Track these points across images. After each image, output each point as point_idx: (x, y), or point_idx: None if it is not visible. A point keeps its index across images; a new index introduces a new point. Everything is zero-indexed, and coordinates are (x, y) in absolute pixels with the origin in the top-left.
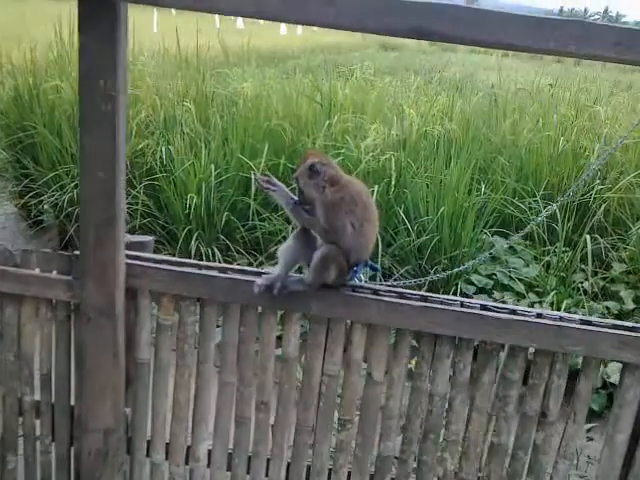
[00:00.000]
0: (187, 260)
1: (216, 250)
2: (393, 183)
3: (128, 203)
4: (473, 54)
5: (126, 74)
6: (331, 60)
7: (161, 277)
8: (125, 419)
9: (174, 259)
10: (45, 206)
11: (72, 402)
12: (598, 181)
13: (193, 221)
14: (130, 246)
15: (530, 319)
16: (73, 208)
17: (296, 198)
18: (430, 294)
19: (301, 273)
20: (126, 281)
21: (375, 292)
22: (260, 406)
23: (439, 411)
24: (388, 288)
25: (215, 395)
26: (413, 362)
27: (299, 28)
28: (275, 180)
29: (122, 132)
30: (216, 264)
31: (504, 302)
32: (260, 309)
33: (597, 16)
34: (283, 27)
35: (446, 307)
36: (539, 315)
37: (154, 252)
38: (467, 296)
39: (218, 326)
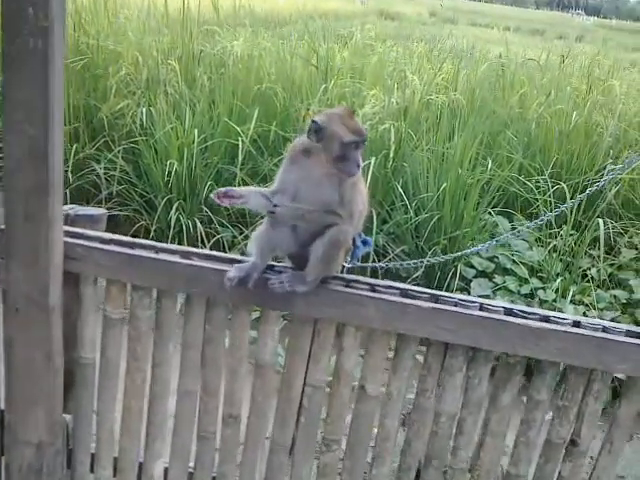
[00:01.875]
0: (142, 241)
1: (198, 222)
2: (392, 155)
3: (105, 168)
4: (474, 27)
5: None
6: (330, 26)
7: (108, 261)
8: (65, 428)
9: (126, 239)
10: None
11: (2, 406)
12: (610, 161)
13: (174, 189)
14: (75, 221)
15: (565, 328)
16: None
17: (270, 197)
18: (442, 293)
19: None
20: (65, 264)
21: (373, 288)
22: (228, 419)
23: (446, 434)
24: (389, 284)
25: (174, 405)
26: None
27: None
28: (236, 189)
29: (58, 76)
30: (177, 247)
31: (523, 295)
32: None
33: None
34: None
35: (461, 310)
36: (577, 324)
37: (130, 224)
38: (466, 280)
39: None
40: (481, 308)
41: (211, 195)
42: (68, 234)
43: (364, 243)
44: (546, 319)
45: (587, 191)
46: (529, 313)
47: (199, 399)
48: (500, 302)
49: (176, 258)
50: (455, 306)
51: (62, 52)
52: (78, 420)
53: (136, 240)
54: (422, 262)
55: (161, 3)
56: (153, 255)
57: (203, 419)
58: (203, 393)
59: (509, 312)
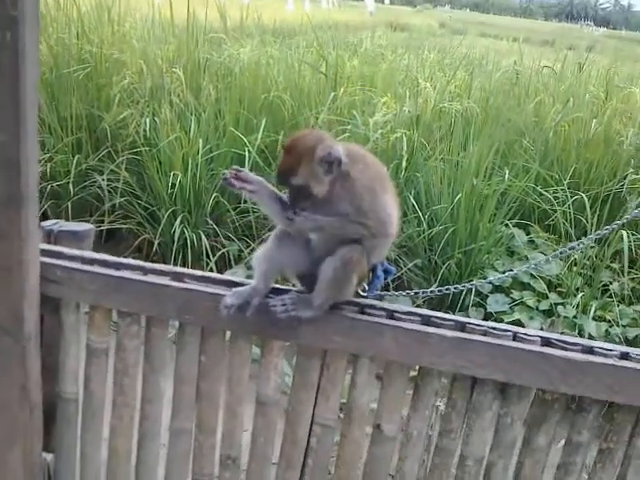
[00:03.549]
0: (129, 261)
1: (202, 235)
2: (404, 165)
3: (108, 179)
4: (483, 38)
5: None
6: (339, 36)
7: (91, 284)
8: (46, 469)
9: (111, 259)
10: None
11: None
12: (632, 170)
13: (178, 201)
14: (58, 237)
15: (613, 361)
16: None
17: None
18: (470, 320)
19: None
20: (42, 288)
21: (391, 315)
22: (226, 462)
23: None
24: (409, 309)
25: (166, 445)
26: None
27: (307, 4)
28: (250, 174)
29: (30, 73)
30: (169, 268)
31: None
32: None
33: (608, 4)
34: (290, 2)
35: (492, 340)
36: (625, 355)
37: (134, 237)
38: (482, 295)
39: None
40: (515, 338)
41: (223, 173)
42: (45, 253)
43: (386, 272)
44: (590, 350)
45: (601, 232)
46: (571, 344)
47: (194, 438)
48: (536, 331)
49: (167, 280)
50: (484, 335)
51: (36, 46)
52: (60, 460)
53: (122, 260)
54: (446, 289)
55: (166, 11)
56: (141, 277)
57: (198, 461)
58: (198, 432)
59: (547, 342)
